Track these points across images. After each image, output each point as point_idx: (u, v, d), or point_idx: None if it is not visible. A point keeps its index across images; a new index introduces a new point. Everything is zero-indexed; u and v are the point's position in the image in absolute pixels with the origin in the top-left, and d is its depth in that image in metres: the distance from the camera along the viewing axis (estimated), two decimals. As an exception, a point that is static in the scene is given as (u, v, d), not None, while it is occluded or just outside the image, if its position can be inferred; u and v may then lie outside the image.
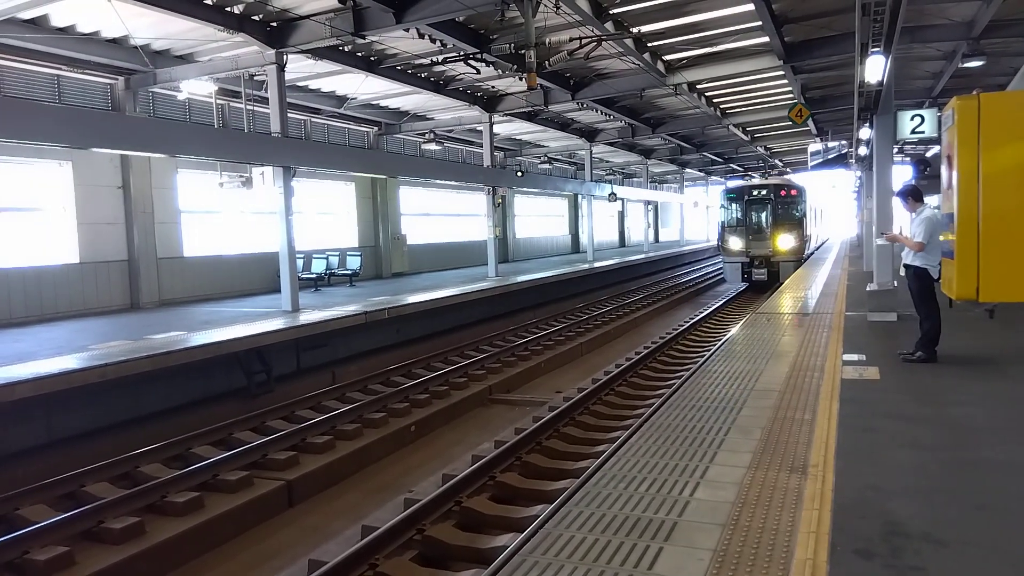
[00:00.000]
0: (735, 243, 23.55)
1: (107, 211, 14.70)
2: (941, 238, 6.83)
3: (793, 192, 23.54)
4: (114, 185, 14.84)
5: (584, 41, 12.25)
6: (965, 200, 5.60)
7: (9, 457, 8.20)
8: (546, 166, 32.33)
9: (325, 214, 21.52)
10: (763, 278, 22.95)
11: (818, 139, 30.09)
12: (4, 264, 13.04)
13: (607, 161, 37.45)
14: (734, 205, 24.05)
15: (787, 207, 23.36)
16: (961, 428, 5.31)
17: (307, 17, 12.63)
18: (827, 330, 9.76)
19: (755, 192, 23.94)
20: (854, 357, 7.85)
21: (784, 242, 22.92)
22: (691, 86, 19.42)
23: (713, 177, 48.29)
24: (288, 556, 6.36)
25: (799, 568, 3.23)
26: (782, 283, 18.16)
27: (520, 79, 14.19)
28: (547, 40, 12.90)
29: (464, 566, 5.66)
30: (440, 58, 14.69)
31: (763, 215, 23.53)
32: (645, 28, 14.35)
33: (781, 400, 6.13)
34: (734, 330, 11.08)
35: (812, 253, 28.46)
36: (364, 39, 13.04)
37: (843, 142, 28.02)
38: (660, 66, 16.89)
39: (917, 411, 5.79)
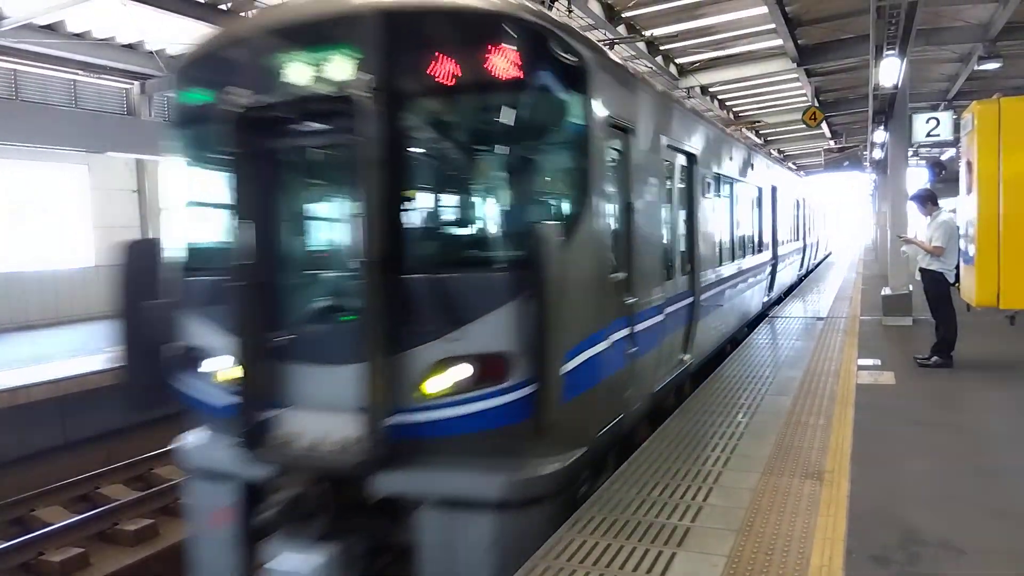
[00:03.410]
0: (219, 376, 4.12)
1: (122, 214, 14.80)
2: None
3: (511, 63, 3.56)
4: (129, 189, 14.94)
5: (597, 44, 12.22)
6: (986, 205, 5.53)
7: (25, 459, 8.25)
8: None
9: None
10: None
11: (832, 142, 29.88)
12: (21, 267, 13.16)
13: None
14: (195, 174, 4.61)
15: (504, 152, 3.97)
16: (978, 434, 5.25)
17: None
18: (841, 334, 9.67)
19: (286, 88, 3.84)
20: (869, 362, 7.77)
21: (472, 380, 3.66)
22: (704, 89, 19.34)
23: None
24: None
25: (814, 574, 3.19)
26: None
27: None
28: (560, 43, 12.87)
29: (476, 570, 5.63)
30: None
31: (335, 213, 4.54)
32: (658, 31, 14.30)
33: (795, 405, 6.07)
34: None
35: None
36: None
37: (858, 146, 27.82)
38: (673, 69, 16.83)
39: (933, 417, 5.73)
